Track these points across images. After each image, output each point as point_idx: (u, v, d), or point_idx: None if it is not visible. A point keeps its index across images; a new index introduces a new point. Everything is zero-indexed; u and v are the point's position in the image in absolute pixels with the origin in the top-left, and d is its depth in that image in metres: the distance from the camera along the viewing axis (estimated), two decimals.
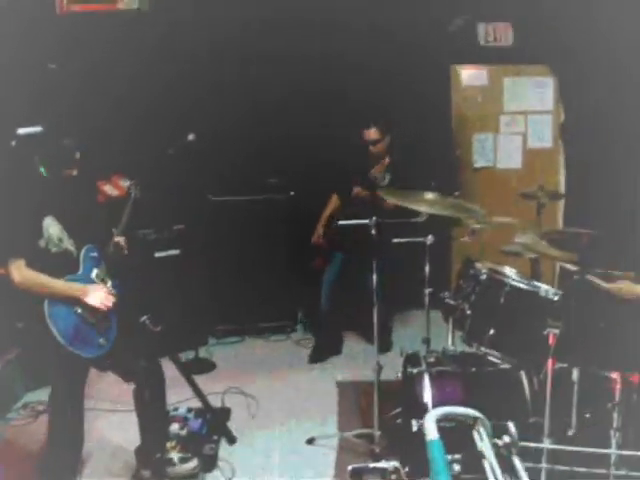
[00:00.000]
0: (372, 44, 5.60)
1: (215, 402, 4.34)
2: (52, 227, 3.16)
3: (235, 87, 5.64)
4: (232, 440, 3.90)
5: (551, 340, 2.67)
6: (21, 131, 3.17)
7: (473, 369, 3.24)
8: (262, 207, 5.60)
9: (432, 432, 1.83)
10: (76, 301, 3.12)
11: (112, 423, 4.16)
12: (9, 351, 4.55)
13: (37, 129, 3.18)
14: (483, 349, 3.04)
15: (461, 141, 6.08)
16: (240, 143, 5.65)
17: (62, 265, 3.17)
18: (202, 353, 5.32)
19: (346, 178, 5.10)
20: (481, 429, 1.94)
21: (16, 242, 3.10)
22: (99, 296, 3.17)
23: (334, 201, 5.31)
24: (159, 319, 3.07)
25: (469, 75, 6.02)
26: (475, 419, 1.98)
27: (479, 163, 6.12)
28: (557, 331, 2.65)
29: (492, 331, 3.01)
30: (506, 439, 1.97)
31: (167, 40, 5.52)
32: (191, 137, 4.82)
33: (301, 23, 5.52)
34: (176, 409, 4.19)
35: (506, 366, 3.20)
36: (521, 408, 3.10)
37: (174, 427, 3.97)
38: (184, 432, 3.96)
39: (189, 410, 4.20)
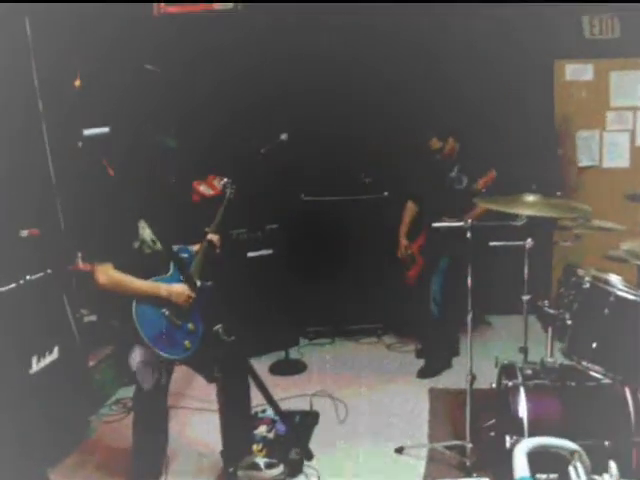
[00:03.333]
0: (467, 41, 5.43)
1: (304, 405, 4.32)
2: (146, 230, 3.20)
3: (331, 86, 5.56)
4: (309, 457, 3.67)
5: None
6: (87, 132, 3.17)
7: (572, 383, 3.02)
8: (356, 207, 5.51)
9: (522, 468, 1.63)
10: (162, 301, 3.12)
11: (201, 422, 4.16)
12: (105, 347, 4.65)
13: (104, 130, 3.18)
14: (584, 363, 2.82)
15: (564, 139, 5.78)
16: (334, 142, 5.56)
17: (154, 266, 3.20)
18: (293, 354, 5.28)
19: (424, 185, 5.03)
20: (578, 464, 1.74)
21: (109, 246, 3.13)
22: (183, 294, 3.16)
23: (410, 208, 5.19)
24: (238, 326, 3.01)
25: (573, 69, 5.72)
26: (572, 452, 1.78)
27: (584, 162, 5.81)
28: None
29: (595, 344, 2.80)
30: (606, 478, 1.75)
31: (262, 39, 5.52)
32: (284, 137, 4.82)
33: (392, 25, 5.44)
34: (264, 411, 4.15)
35: (609, 381, 2.96)
36: (624, 427, 2.86)
37: (261, 430, 3.95)
38: (271, 435, 3.93)
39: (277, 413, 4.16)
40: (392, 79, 5.53)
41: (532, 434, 2.92)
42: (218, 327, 2.06)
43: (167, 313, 3.12)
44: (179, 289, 3.17)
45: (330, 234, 5.50)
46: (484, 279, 5.15)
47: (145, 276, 3.14)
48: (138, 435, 3.32)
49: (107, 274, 3.09)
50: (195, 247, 3.53)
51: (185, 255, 3.36)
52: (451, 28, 5.48)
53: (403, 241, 5.13)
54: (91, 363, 4.45)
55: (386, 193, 5.49)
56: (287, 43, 5.53)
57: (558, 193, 5.49)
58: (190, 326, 3.23)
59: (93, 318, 4.65)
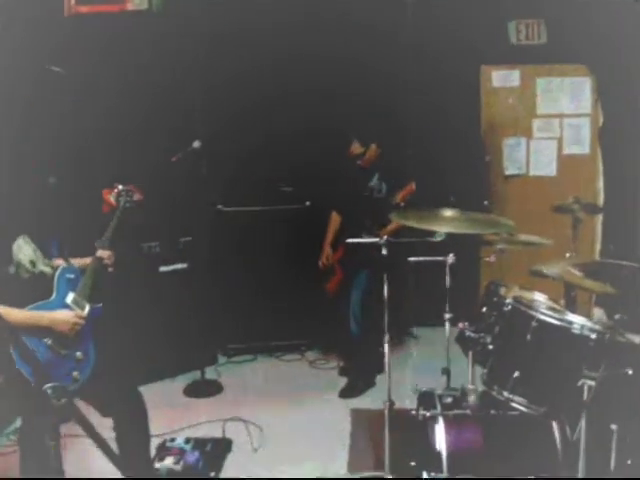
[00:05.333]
0: (389, 44, 5.25)
1: (216, 432, 4.04)
2: (23, 251, 2.83)
3: (246, 89, 5.31)
4: None
5: (586, 394, 2.24)
6: None
7: (495, 412, 2.80)
8: (276, 218, 5.27)
9: None
10: (45, 331, 2.78)
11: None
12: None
13: None
14: (506, 394, 2.61)
15: (490, 147, 5.66)
16: (252, 149, 5.31)
17: (35, 291, 2.84)
18: (210, 373, 4.98)
19: (345, 193, 4.83)
20: None
21: None
22: (68, 321, 2.82)
23: (335, 219, 4.97)
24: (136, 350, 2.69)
25: (499, 76, 5.60)
26: None
27: (510, 170, 5.70)
28: (593, 383, 2.22)
29: (517, 373, 2.59)
30: None
31: (175, 41, 5.20)
32: (196, 144, 4.57)
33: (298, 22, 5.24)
34: (172, 440, 3.86)
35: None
36: (551, 460, 2.67)
37: (168, 461, 3.65)
38: (179, 467, 3.64)
39: (187, 441, 3.87)
40: (313, 83, 5.32)
41: (452, 468, 2.71)
42: (49, 386, 1.75)
43: (49, 342, 2.78)
44: (63, 316, 2.82)
45: (249, 246, 5.27)
46: (409, 291, 5.03)
47: (24, 304, 2.77)
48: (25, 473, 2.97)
49: None
50: (81, 261, 3.17)
51: (71, 276, 2.99)
52: (375, 31, 5.29)
53: (327, 249, 4.91)
54: None
55: (308, 203, 5.26)
56: (201, 42, 5.25)
57: (485, 202, 5.43)
58: (78, 355, 2.88)
59: None
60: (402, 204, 4.35)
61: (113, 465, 2.07)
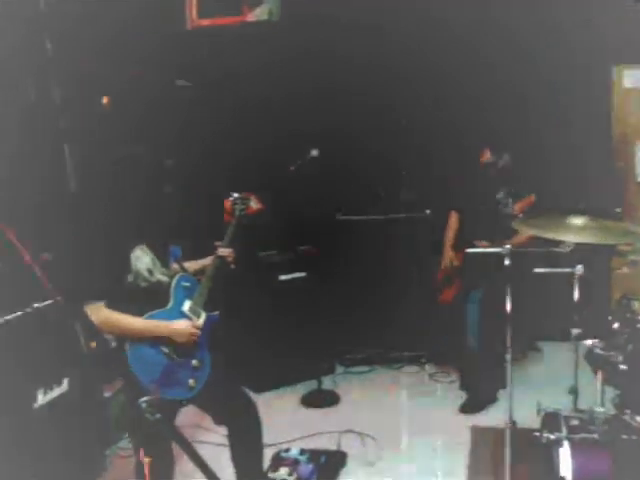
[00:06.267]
0: (519, 46, 5.02)
1: (332, 443, 3.99)
2: (141, 260, 2.89)
3: (367, 97, 5.23)
4: None
5: None
6: None
7: (625, 437, 2.58)
8: (395, 227, 5.17)
9: None
10: (163, 340, 2.82)
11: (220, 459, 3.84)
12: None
13: None
14: (639, 419, 2.40)
15: (623, 152, 5.31)
16: (370, 156, 5.22)
17: (152, 300, 2.88)
18: (328, 383, 4.94)
19: (470, 198, 4.66)
20: None
21: (96, 284, 2.80)
22: (185, 331, 2.85)
23: (454, 219, 4.79)
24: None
25: (633, 75, 5.24)
26: None
27: None
28: None
29: None
30: None
31: (297, 52, 5.23)
32: (314, 152, 4.56)
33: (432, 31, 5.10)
34: (287, 450, 3.84)
35: None
36: None
37: (281, 472, 3.63)
38: (292, 478, 3.61)
39: (302, 452, 3.84)
40: (436, 89, 5.18)
41: None
42: (143, 400, 1.72)
43: (166, 351, 2.82)
44: (181, 327, 2.85)
45: (367, 255, 5.21)
46: (533, 305, 4.78)
47: (142, 312, 2.82)
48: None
49: (99, 314, 2.74)
50: (201, 262, 3.21)
51: (187, 284, 3.01)
52: (507, 32, 5.08)
53: (448, 252, 4.73)
54: (107, 394, 4.19)
55: (428, 211, 5.12)
56: (322, 52, 5.22)
57: (617, 210, 5.10)
58: (194, 362, 2.90)
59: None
60: (520, 215, 4.13)
61: None
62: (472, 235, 4.42)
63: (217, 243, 3.23)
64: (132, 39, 5.09)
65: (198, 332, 2.88)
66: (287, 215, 4.95)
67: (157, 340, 2.80)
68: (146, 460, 1.96)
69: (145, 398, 1.76)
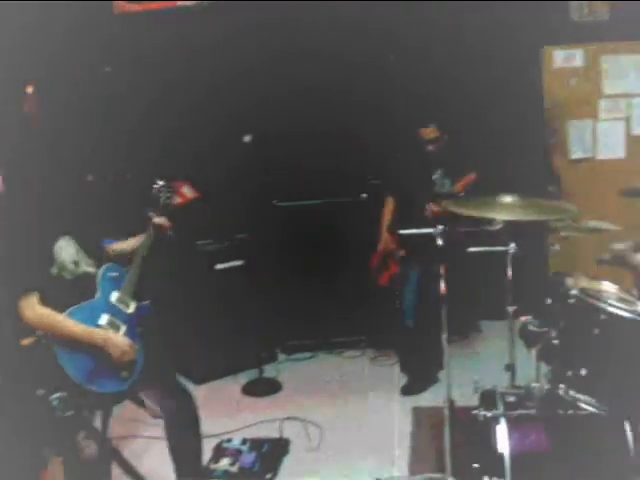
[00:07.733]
0: (447, 25, 5.03)
1: (274, 431, 3.96)
2: (66, 250, 2.78)
3: (300, 81, 5.17)
4: None
5: None
6: None
7: (562, 412, 2.60)
8: (331, 212, 5.13)
9: None
10: (96, 348, 2.71)
11: (158, 451, 3.75)
12: None
13: None
14: (572, 393, 2.41)
15: (555, 130, 5.39)
16: (307, 140, 5.17)
17: (79, 292, 2.78)
18: (270, 371, 4.90)
19: (404, 181, 4.61)
20: None
21: (19, 276, 2.70)
22: (120, 345, 2.75)
23: (390, 202, 4.73)
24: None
25: (562, 56, 5.32)
26: None
27: (576, 154, 5.41)
28: None
29: (584, 370, 2.39)
30: None
31: (230, 36, 5.12)
32: (247, 139, 4.47)
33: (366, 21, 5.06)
34: (229, 441, 3.80)
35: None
36: (623, 463, 2.46)
37: (223, 462, 3.59)
38: (234, 468, 3.57)
39: (244, 442, 3.80)
40: (368, 69, 5.16)
41: (515, 471, 2.54)
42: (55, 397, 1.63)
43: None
44: (117, 341, 2.75)
45: (306, 242, 5.15)
46: (472, 284, 4.82)
47: (69, 304, 2.72)
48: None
49: (33, 309, 2.67)
50: (134, 240, 3.10)
51: (114, 274, 2.91)
52: (438, 17, 5.08)
53: (385, 235, 4.67)
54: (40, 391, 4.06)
55: (364, 195, 5.11)
56: (259, 36, 5.14)
57: (550, 188, 5.17)
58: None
59: None
60: (462, 194, 4.14)
61: None
62: (408, 217, 4.41)
63: (151, 213, 3.13)
64: (58, 25, 4.92)
65: (133, 354, 2.78)
66: (223, 203, 4.85)
67: (91, 347, 2.71)
68: (51, 456, 1.87)
69: (57, 394, 1.69)
